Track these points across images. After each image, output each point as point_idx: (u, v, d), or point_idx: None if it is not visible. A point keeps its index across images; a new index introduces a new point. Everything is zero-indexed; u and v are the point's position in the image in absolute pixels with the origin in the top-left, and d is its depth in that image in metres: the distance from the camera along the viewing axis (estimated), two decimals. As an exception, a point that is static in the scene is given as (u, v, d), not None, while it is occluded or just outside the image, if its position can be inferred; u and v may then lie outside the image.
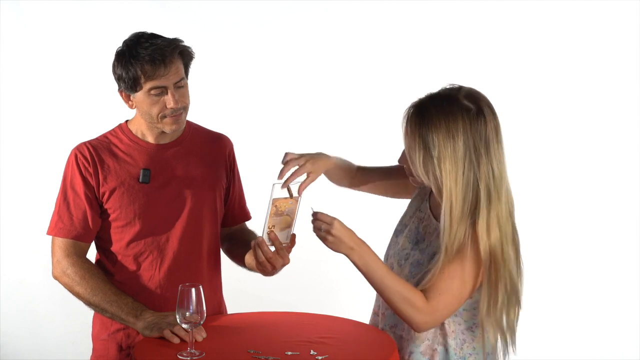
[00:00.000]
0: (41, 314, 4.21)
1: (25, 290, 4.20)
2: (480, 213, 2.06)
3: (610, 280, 4.06)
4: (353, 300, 2.85)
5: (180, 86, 2.39)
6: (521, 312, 2.20)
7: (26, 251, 4.15)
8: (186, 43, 2.41)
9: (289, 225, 2.19)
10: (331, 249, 2.11)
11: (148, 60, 2.32)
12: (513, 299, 2.13)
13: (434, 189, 2.11)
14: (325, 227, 2.08)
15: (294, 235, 2.22)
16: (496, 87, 4.01)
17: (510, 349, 2.20)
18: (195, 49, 2.44)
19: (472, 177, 2.05)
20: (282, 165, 2.20)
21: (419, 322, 2.09)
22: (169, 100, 2.36)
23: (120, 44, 2.41)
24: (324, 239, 2.10)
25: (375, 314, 2.39)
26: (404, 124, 2.11)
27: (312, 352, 2.07)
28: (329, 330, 2.28)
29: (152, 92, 2.36)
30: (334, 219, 2.09)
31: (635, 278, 4.04)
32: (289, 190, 2.16)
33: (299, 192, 2.15)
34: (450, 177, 2.04)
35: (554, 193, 4.12)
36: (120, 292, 2.38)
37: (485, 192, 2.05)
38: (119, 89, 2.43)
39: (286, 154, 2.21)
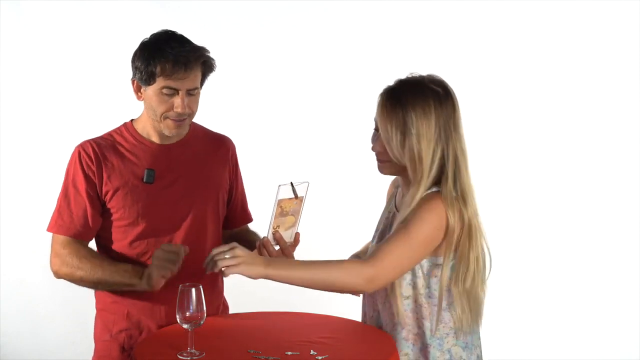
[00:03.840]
0: (41, 314, 4.21)
1: (25, 290, 4.20)
2: (447, 183, 2.15)
3: (610, 280, 4.06)
4: (352, 300, 2.85)
5: (192, 94, 2.40)
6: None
7: (26, 251, 4.15)
8: (211, 54, 2.42)
9: (293, 224, 2.23)
10: (246, 272, 2.03)
11: (171, 60, 2.32)
12: (481, 275, 2.19)
13: (409, 166, 2.17)
14: (229, 253, 2.03)
15: (297, 234, 2.26)
16: (496, 86, 4.05)
17: (478, 321, 2.23)
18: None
19: (439, 153, 2.15)
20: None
21: (365, 277, 2.06)
22: (178, 104, 2.37)
23: (148, 37, 2.42)
24: (234, 267, 2.02)
25: (363, 322, 2.41)
26: (379, 110, 2.20)
27: (312, 352, 2.07)
28: (329, 330, 2.28)
29: (164, 90, 2.36)
30: (232, 243, 2.05)
31: (635, 278, 4.04)
32: (293, 190, 2.19)
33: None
34: (426, 151, 2.14)
35: (553, 192, 4.12)
36: (117, 262, 2.41)
37: (453, 165, 2.16)
38: (132, 78, 2.43)
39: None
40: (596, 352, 4.00)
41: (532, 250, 3.98)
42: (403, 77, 2.24)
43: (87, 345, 2.59)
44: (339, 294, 2.14)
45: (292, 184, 2.18)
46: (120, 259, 2.46)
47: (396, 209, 2.33)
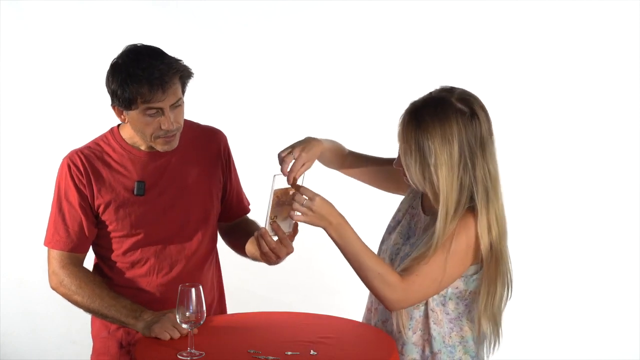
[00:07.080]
0: (41, 313, 4.21)
1: (25, 290, 4.20)
2: (480, 214, 2.09)
3: (610, 280, 4.06)
4: (352, 300, 2.85)
5: (177, 106, 2.32)
6: (509, 302, 2.23)
7: (26, 251, 4.15)
8: (185, 62, 2.32)
9: None
10: (308, 223, 2.10)
11: (146, 83, 2.23)
12: (508, 291, 2.18)
13: (429, 194, 2.14)
14: (307, 203, 2.08)
15: (296, 224, 2.22)
16: (496, 87, 4.05)
17: (499, 337, 2.22)
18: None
19: (467, 179, 2.09)
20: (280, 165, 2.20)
21: (391, 299, 2.11)
22: (164, 121, 2.30)
23: (116, 57, 2.32)
24: (303, 213, 2.08)
25: (368, 310, 2.40)
26: (400, 131, 2.13)
27: (312, 352, 2.07)
28: (329, 330, 2.28)
29: (148, 112, 2.28)
30: (316, 195, 2.09)
31: (635, 278, 4.04)
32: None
33: (290, 181, 2.15)
34: (447, 182, 2.07)
35: (554, 192, 4.13)
36: (117, 296, 2.37)
37: (484, 193, 2.09)
38: (112, 104, 2.35)
39: (278, 154, 2.19)
40: (596, 352, 4.00)
41: (531, 250, 3.98)
42: (432, 91, 2.14)
43: (87, 344, 2.59)
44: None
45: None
46: (117, 266, 2.46)
47: (423, 210, 2.28)
